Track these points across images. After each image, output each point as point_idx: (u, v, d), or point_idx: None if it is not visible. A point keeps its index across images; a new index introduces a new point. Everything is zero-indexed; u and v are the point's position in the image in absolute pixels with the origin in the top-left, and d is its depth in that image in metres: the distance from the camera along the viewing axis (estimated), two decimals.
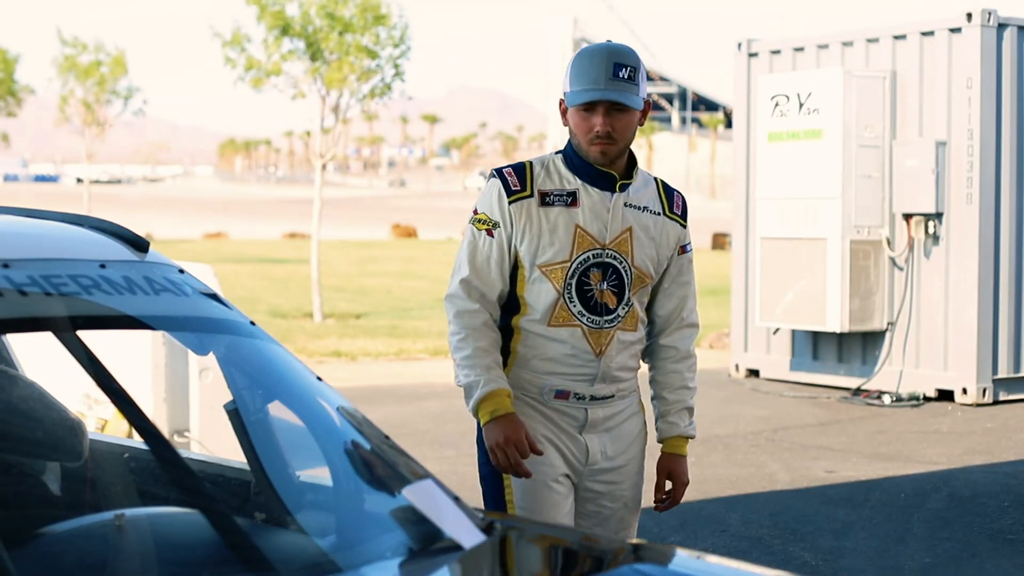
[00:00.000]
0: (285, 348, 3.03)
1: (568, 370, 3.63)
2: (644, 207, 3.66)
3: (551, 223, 3.58)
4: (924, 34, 11.22)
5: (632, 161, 3.67)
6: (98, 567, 2.60)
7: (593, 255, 3.60)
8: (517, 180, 3.62)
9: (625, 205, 3.62)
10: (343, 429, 2.97)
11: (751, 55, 12.50)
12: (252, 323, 2.96)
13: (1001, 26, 10.93)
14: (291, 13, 18.20)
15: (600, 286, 3.61)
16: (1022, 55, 11.08)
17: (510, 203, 3.60)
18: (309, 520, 2.84)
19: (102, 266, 2.70)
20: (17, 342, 3.40)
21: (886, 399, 11.11)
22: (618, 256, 3.61)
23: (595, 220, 3.60)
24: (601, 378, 3.64)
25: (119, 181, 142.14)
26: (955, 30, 10.97)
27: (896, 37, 11.42)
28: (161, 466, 2.85)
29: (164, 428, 6.77)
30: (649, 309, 3.77)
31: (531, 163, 3.66)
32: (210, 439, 6.78)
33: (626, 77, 3.48)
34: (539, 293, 3.61)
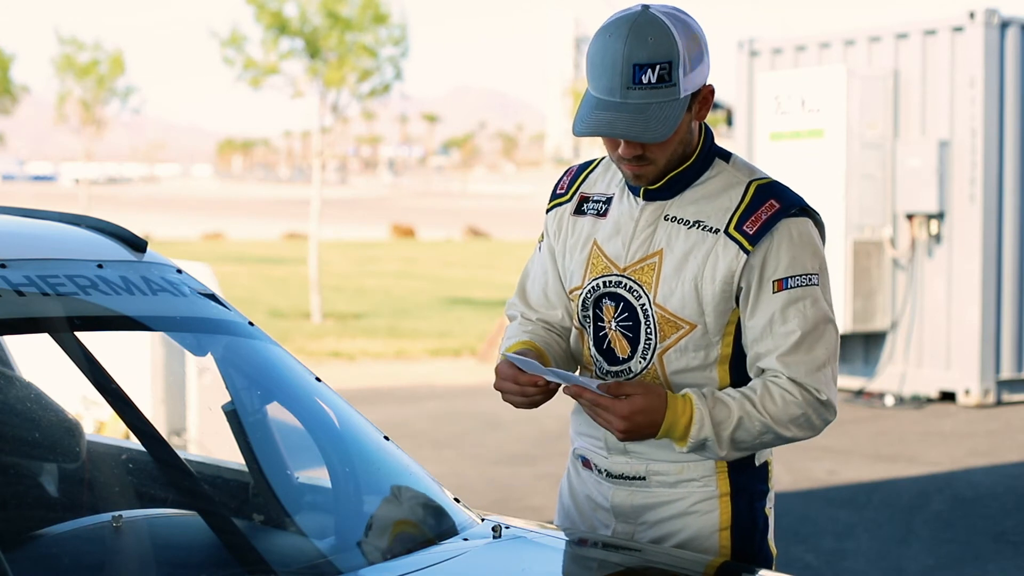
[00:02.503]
0: (284, 348, 3.01)
1: (587, 430, 2.83)
2: (696, 222, 2.64)
3: (575, 237, 2.79)
4: (927, 33, 11.20)
5: (694, 162, 2.68)
6: (96, 568, 2.59)
7: (605, 282, 2.72)
8: (568, 180, 2.86)
9: (665, 218, 2.67)
10: (342, 430, 2.95)
11: (753, 54, 12.48)
12: (251, 323, 2.94)
13: (1004, 25, 10.91)
14: (289, 13, 18.20)
15: (611, 325, 2.73)
16: None
17: (548, 210, 2.88)
18: (308, 521, 2.83)
19: (100, 266, 2.67)
20: (14, 343, 3.37)
21: (888, 400, 11.08)
22: (636, 288, 2.68)
23: (616, 236, 2.71)
24: (613, 449, 2.77)
25: (117, 180, 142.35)
26: (958, 29, 10.95)
27: (899, 36, 11.40)
28: (159, 467, 2.82)
29: (162, 429, 6.75)
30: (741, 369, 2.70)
31: (603, 158, 2.84)
32: (208, 440, 6.77)
33: (654, 81, 2.52)
34: (575, 327, 2.84)
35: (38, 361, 3.30)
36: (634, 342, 2.70)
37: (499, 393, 2.75)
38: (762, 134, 11.86)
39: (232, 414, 2.80)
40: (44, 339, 2.65)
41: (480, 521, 2.82)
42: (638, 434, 2.59)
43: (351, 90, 18.44)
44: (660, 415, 2.57)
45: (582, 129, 2.56)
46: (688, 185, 2.68)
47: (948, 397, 11.10)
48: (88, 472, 2.91)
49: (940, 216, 11.14)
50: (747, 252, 2.59)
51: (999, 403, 10.99)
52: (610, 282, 2.71)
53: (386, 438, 2.95)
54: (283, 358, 2.96)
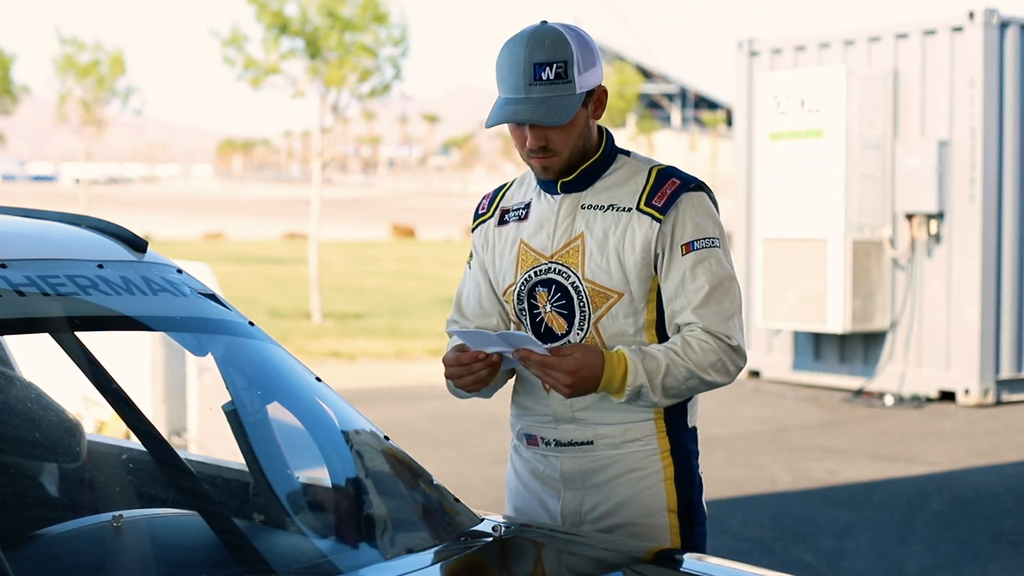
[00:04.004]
0: (284, 348, 3.02)
1: (530, 407, 3.08)
2: (609, 205, 2.99)
3: (502, 244, 3.10)
4: (926, 33, 11.20)
5: (599, 157, 3.03)
6: (96, 568, 2.59)
7: (536, 272, 3.03)
8: (487, 202, 3.18)
9: (581, 207, 3.01)
10: (342, 430, 2.95)
11: (752, 54, 12.48)
12: (251, 323, 2.94)
13: (1003, 25, 10.91)
14: (289, 12, 18.21)
15: (546, 308, 3.02)
16: None
17: (473, 230, 3.19)
18: (308, 521, 2.83)
19: (100, 266, 2.68)
20: (15, 343, 3.38)
21: (888, 400, 11.09)
22: (564, 270, 2.99)
23: (540, 231, 3.04)
24: (561, 419, 3.03)
25: (117, 181, 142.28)
26: (957, 29, 10.96)
27: (898, 36, 11.40)
28: (159, 467, 2.83)
29: (162, 429, 6.75)
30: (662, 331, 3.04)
31: (515, 179, 3.20)
32: (208, 440, 6.77)
33: (552, 78, 2.87)
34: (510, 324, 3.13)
35: (38, 361, 3.31)
36: (569, 318, 3.01)
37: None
38: (762, 134, 11.86)
39: (232, 414, 2.80)
40: (44, 339, 2.65)
41: (480, 521, 2.83)
42: (583, 387, 2.88)
43: (351, 90, 18.44)
44: (600, 369, 2.87)
45: (492, 121, 2.92)
46: (598, 177, 3.03)
47: (948, 397, 11.10)
48: (88, 472, 2.91)
49: (940, 216, 11.14)
50: (659, 221, 2.96)
51: (999, 403, 10.99)
52: (541, 271, 3.03)
53: (386, 438, 2.96)
54: (283, 358, 2.96)
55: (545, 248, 3.02)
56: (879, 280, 11.39)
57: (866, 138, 11.28)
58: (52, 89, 30.29)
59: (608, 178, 3.03)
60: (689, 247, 2.96)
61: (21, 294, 2.50)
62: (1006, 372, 11.05)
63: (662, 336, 3.02)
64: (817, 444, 9.35)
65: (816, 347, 12.06)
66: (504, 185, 3.21)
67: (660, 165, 3.04)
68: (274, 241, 42.72)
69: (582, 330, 2.99)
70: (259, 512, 2.83)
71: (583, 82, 2.91)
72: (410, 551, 2.63)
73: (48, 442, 2.85)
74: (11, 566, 2.27)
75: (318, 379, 2.97)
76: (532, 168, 3.03)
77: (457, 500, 2.89)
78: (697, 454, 3.10)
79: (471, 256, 3.20)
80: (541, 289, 3.02)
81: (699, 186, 3.01)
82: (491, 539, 2.74)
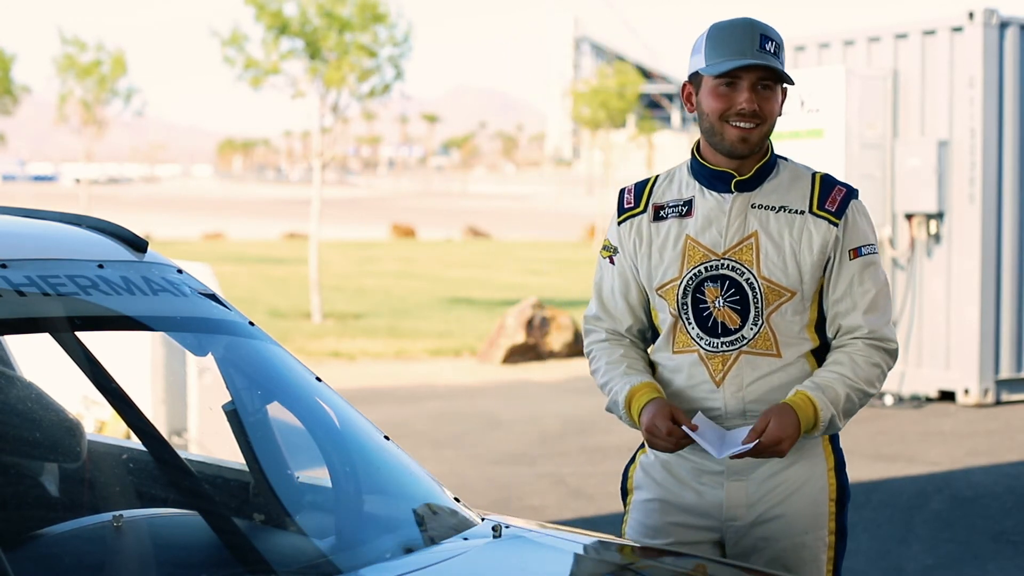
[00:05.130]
0: (284, 348, 3.02)
1: (693, 405, 3.11)
2: (781, 207, 3.09)
3: (662, 239, 3.13)
4: (926, 33, 11.20)
5: (769, 159, 3.14)
6: (96, 568, 2.59)
7: (706, 268, 3.08)
8: (632, 196, 3.20)
9: (752, 207, 3.09)
10: (342, 430, 2.96)
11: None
12: (251, 323, 2.94)
13: (1003, 25, 10.91)
14: (289, 13, 18.20)
15: (717, 303, 3.09)
16: None
17: (619, 223, 3.20)
18: (308, 521, 2.83)
19: (100, 266, 2.68)
20: (15, 343, 3.38)
21: (888, 400, 11.08)
22: (738, 266, 3.07)
23: (709, 228, 3.09)
24: (732, 413, 3.09)
25: (117, 181, 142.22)
26: (957, 29, 10.95)
27: (898, 36, 11.40)
28: (160, 467, 2.83)
29: (163, 429, 6.76)
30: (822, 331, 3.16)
31: (658, 175, 3.24)
32: (209, 440, 6.77)
33: (772, 51, 3.02)
34: (663, 320, 3.16)
35: (39, 361, 3.31)
36: (743, 313, 3.08)
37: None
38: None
39: (232, 414, 2.80)
40: (45, 339, 2.65)
41: (480, 521, 2.83)
42: (792, 442, 3.00)
43: (351, 90, 18.44)
44: (796, 421, 3.00)
45: (729, 67, 3.00)
46: (765, 179, 3.12)
47: (947, 397, 11.10)
48: (89, 472, 2.92)
49: (939, 216, 11.14)
50: (836, 225, 3.09)
51: (998, 403, 10.98)
52: (711, 267, 3.09)
53: (386, 438, 2.96)
54: (283, 358, 2.96)
55: (716, 245, 3.09)
56: None
57: (866, 138, 11.28)
58: (53, 89, 30.32)
59: (774, 180, 3.13)
60: (857, 252, 3.11)
61: (21, 294, 2.51)
62: (1006, 372, 11.05)
63: (821, 335, 3.14)
64: None
65: None
66: (648, 180, 3.24)
67: (819, 171, 3.18)
68: (274, 241, 42.72)
69: (756, 325, 3.08)
70: (259, 512, 2.83)
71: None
72: (410, 551, 2.63)
73: (48, 442, 2.85)
74: (11, 566, 2.27)
75: (318, 379, 2.97)
76: (727, 140, 3.06)
77: (457, 500, 2.90)
78: (840, 438, 3.26)
79: (610, 250, 3.23)
80: (711, 285, 3.09)
81: (857, 194, 3.18)
82: (491, 539, 2.74)
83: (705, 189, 3.12)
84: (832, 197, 3.10)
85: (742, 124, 3.03)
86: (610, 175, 43.51)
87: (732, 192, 3.09)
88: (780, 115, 3.12)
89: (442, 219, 60.56)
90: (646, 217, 3.17)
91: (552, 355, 14.30)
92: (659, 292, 3.14)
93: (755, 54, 2.99)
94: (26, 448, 2.85)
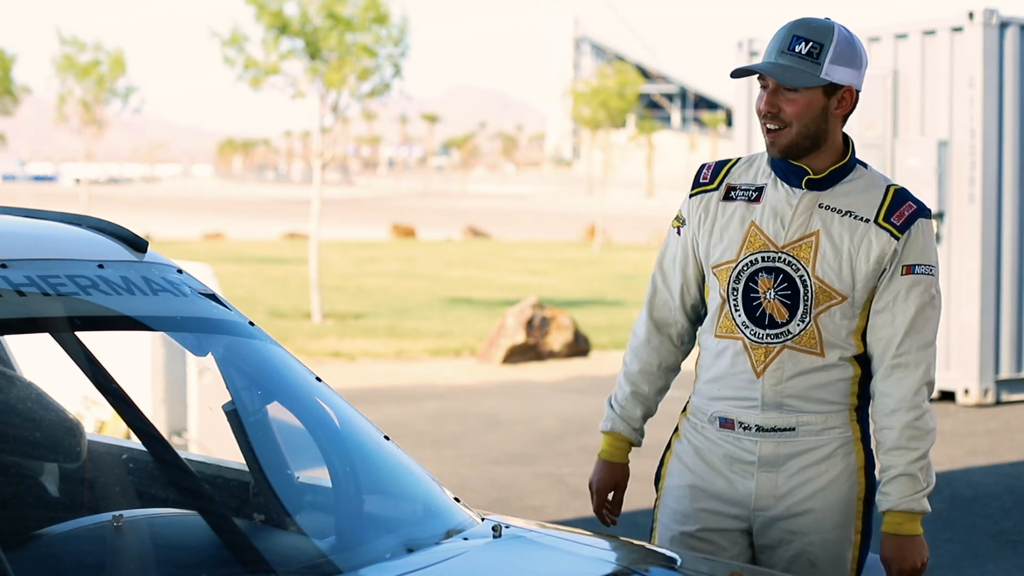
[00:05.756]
0: (284, 348, 3.02)
1: (731, 393, 3.16)
2: (848, 211, 3.12)
3: (726, 218, 3.19)
4: (926, 33, 11.20)
5: (847, 162, 3.18)
6: (96, 568, 2.58)
7: (763, 257, 3.13)
8: (710, 173, 3.28)
9: (819, 206, 3.13)
10: (342, 430, 2.95)
11: (752, 54, 12.46)
12: (251, 323, 2.94)
13: (1003, 25, 10.91)
14: (289, 12, 18.21)
15: (768, 294, 3.13)
16: None
17: (691, 196, 3.28)
18: (308, 521, 2.83)
19: (100, 266, 2.68)
20: (15, 343, 3.38)
21: None
22: (794, 262, 3.11)
23: (774, 218, 3.14)
24: (769, 404, 3.13)
25: (117, 181, 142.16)
26: (957, 29, 10.95)
27: (898, 36, 11.40)
28: (160, 467, 2.83)
29: (163, 429, 6.76)
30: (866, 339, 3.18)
31: (740, 157, 3.32)
32: (209, 440, 6.77)
33: (803, 52, 3.04)
34: (712, 300, 3.22)
35: (39, 361, 3.31)
36: (793, 308, 3.11)
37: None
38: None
39: (232, 414, 2.80)
40: (45, 339, 2.65)
41: (480, 521, 2.83)
42: (921, 550, 3.09)
43: (351, 90, 18.44)
44: (913, 529, 3.09)
45: (735, 72, 3.15)
46: (839, 181, 3.14)
47: (947, 397, 11.10)
48: (89, 472, 2.91)
49: (939, 216, 11.14)
50: (897, 239, 3.10)
51: (998, 403, 10.99)
52: (768, 257, 3.13)
53: (386, 438, 2.96)
54: (283, 358, 2.96)
55: (777, 236, 3.12)
56: None
57: (865, 138, 11.27)
58: (52, 89, 30.31)
59: (847, 184, 3.16)
60: (910, 269, 3.12)
61: (21, 294, 2.51)
62: (1006, 372, 11.05)
63: (865, 342, 3.15)
64: None
65: None
66: (729, 160, 3.30)
67: (896, 184, 3.21)
68: (274, 241, 42.70)
69: (803, 322, 3.11)
70: (259, 512, 2.83)
71: (831, 71, 3.06)
72: (410, 551, 2.63)
73: (48, 442, 2.85)
74: (11, 566, 2.27)
75: (318, 379, 2.97)
76: (765, 142, 3.15)
77: (457, 500, 2.90)
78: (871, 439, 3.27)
79: (680, 220, 3.30)
80: (765, 275, 3.13)
81: (929, 215, 3.19)
82: (491, 539, 2.74)
83: (779, 180, 3.17)
84: (901, 211, 3.13)
85: (768, 126, 3.13)
86: (610, 175, 43.51)
87: (803, 188, 3.14)
88: (842, 112, 3.13)
89: (442, 219, 60.54)
90: (717, 195, 3.23)
91: (552, 355, 14.31)
92: (714, 271, 3.19)
93: (776, 56, 3.06)
94: (26, 448, 2.85)
